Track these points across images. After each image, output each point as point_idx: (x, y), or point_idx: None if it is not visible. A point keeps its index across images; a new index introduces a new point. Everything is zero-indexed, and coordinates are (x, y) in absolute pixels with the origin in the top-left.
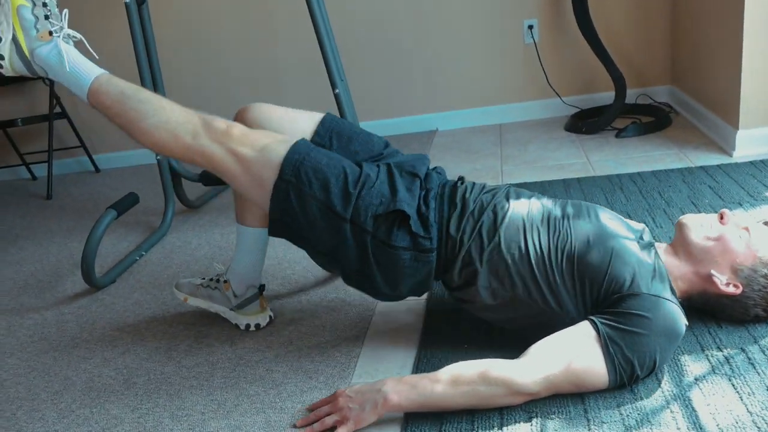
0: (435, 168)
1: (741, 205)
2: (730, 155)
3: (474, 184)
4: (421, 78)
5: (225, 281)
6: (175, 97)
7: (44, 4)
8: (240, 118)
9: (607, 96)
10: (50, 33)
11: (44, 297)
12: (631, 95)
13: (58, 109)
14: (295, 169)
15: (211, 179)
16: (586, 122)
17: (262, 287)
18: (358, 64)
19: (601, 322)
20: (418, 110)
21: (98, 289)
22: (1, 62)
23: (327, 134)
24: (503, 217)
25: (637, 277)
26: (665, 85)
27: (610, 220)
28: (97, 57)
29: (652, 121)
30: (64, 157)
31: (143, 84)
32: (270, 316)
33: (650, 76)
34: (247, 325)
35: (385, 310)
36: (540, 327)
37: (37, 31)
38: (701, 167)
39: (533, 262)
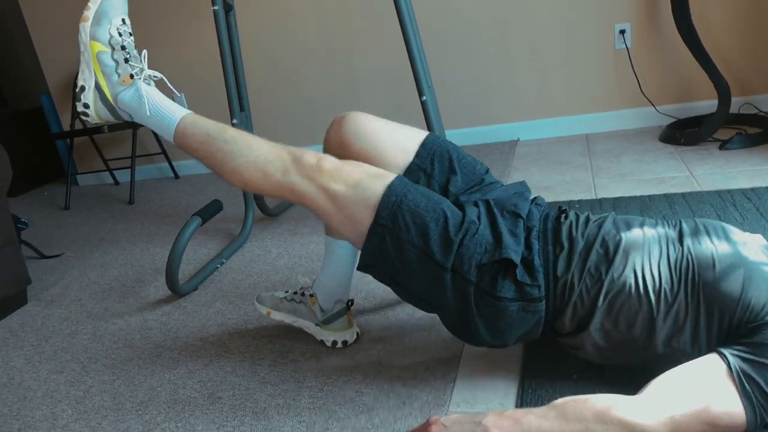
0: (534, 199)
1: None
2: None
3: (578, 216)
4: (503, 85)
5: (311, 295)
6: (254, 104)
7: (123, 48)
8: (335, 128)
9: (704, 105)
10: (131, 76)
11: (128, 302)
12: (734, 104)
13: None
14: (392, 213)
15: None
16: (684, 132)
17: (350, 302)
18: (437, 71)
19: (732, 355)
20: (499, 119)
21: (180, 296)
22: (87, 111)
23: (428, 157)
24: (615, 251)
25: None
26: None
27: (735, 238)
28: (178, 94)
29: (760, 132)
30: (146, 164)
31: (228, 92)
32: (357, 333)
33: (755, 84)
34: (334, 342)
35: None
36: (657, 366)
37: (119, 75)
38: None
39: (652, 294)
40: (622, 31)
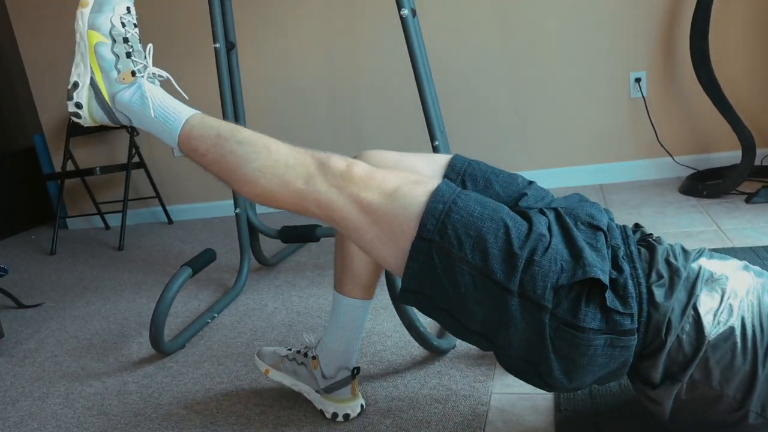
0: (606, 210)
1: None
2: None
3: (673, 246)
4: (515, 132)
5: (314, 357)
6: None
7: (125, 40)
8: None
9: (725, 156)
10: (133, 73)
11: (107, 360)
12: (757, 156)
13: (136, 159)
14: (440, 224)
15: (292, 236)
16: (707, 185)
17: (356, 370)
18: (450, 116)
19: None
20: (510, 167)
21: (165, 355)
22: (79, 111)
23: (458, 179)
24: (723, 291)
25: None
26: None
27: None
28: (186, 98)
29: None
30: (139, 207)
31: None
32: (362, 405)
33: None
34: (335, 414)
35: (503, 405)
36: None
37: (118, 71)
38: None
39: (760, 349)
40: (638, 80)
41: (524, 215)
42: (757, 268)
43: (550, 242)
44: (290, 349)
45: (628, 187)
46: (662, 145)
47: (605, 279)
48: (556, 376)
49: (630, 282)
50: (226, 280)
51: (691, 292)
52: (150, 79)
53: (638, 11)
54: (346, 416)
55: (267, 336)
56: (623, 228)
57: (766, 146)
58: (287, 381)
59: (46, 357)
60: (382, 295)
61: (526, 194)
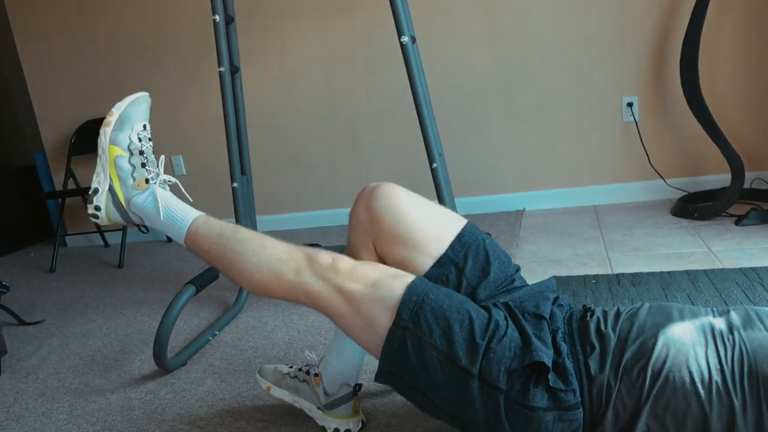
0: (556, 299)
1: None
2: None
3: (606, 312)
4: (509, 154)
5: (316, 374)
6: (256, 166)
7: (141, 152)
8: (366, 199)
9: (715, 179)
10: (146, 181)
11: (110, 377)
12: (746, 179)
13: None
14: (413, 314)
15: None
16: (697, 207)
17: (357, 387)
18: (446, 139)
19: None
20: (505, 189)
21: (168, 372)
22: (98, 213)
23: (463, 250)
24: (654, 343)
25: None
26: None
27: None
28: (191, 200)
29: None
30: None
31: (230, 155)
32: (362, 422)
33: (766, 159)
34: (336, 430)
35: None
36: None
37: (134, 180)
38: None
39: (702, 390)
40: (630, 104)
41: (485, 308)
42: (693, 308)
43: (505, 332)
44: (292, 367)
45: (620, 209)
46: (654, 168)
47: (548, 362)
48: None
49: (568, 361)
50: (226, 298)
51: (622, 353)
52: (161, 185)
53: (630, 39)
54: None
55: (268, 353)
56: (568, 312)
57: (755, 169)
58: (289, 398)
59: (48, 373)
60: None
61: (513, 280)
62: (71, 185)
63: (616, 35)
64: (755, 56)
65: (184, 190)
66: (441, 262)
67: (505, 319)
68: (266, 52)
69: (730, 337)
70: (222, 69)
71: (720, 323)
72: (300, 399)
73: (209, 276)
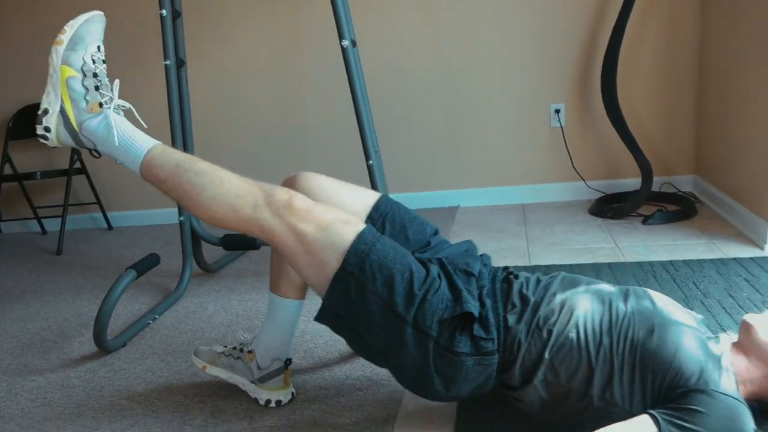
0: (482, 257)
1: None
2: (762, 248)
3: (529, 277)
4: (447, 154)
5: (249, 351)
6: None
7: (95, 75)
8: (287, 185)
9: (630, 182)
10: (100, 104)
11: (49, 358)
12: (656, 183)
13: (78, 164)
14: (360, 261)
15: (234, 244)
16: (611, 207)
17: (288, 361)
18: (384, 136)
19: (664, 419)
20: (441, 185)
21: (108, 353)
22: (47, 134)
23: (380, 219)
24: (561, 307)
25: (705, 373)
26: (689, 175)
27: (675, 308)
28: (145, 126)
29: (678, 209)
30: (77, 213)
31: (174, 144)
32: (292, 393)
33: (674, 165)
34: (268, 401)
35: None
36: (592, 422)
37: (87, 102)
38: (734, 259)
39: (593, 349)
40: (557, 111)
41: (423, 264)
42: (599, 282)
43: (440, 286)
44: (226, 347)
45: (545, 208)
46: (576, 171)
47: (476, 312)
48: (437, 389)
49: (490, 314)
50: (167, 284)
51: (536, 314)
52: (115, 110)
53: (559, 50)
54: (278, 402)
55: (206, 335)
56: (493, 270)
57: (663, 174)
58: (224, 375)
59: None
60: (318, 298)
61: (430, 242)
62: (8, 170)
63: (546, 46)
64: (671, 70)
65: (138, 117)
66: None
67: (439, 275)
68: (214, 45)
69: (623, 308)
70: (168, 62)
71: (617, 297)
72: (234, 375)
73: (150, 261)
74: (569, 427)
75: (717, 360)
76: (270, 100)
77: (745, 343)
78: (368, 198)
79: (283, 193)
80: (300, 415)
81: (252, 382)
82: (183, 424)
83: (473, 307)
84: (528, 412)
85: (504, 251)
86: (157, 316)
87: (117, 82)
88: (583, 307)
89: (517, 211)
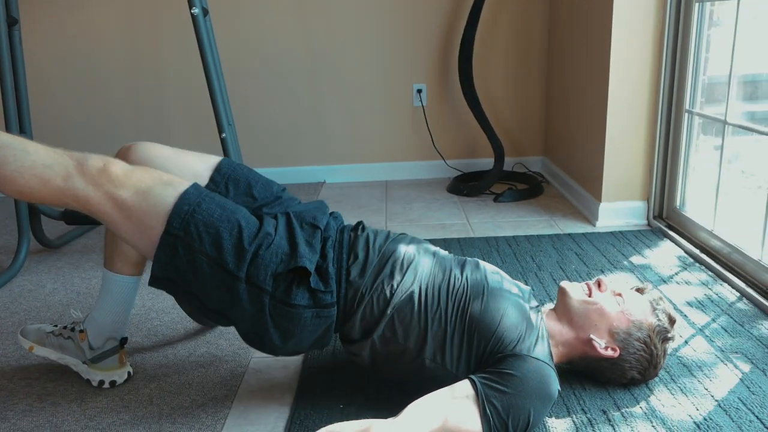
0: (332, 213)
1: (603, 271)
2: (594, 225)
3: (377, 232)
4: (313, 130)
5: (81, 330)
6: (53, 137)
7: None
8: (122, 157)
9: (486, 162)
10: None
11: None
12: (509, 163)
13: None
14: (184, 222)
15: (75, 218)
16: (467, 185)
17: (123, 340)
18: (251, 110)
19: (481, 382)
20: (307, 161)
21: None
22: None
23: (223, 182)
24: (407, 268)
25: (522, 340)
26: (538, 156)
27: (503, 280)
28: None
29: (527, 188)
30: None
31: (7, 117)
32: (129, 373)
33: (525, 147)
34: (101, 382)
35: (260, 366)
36: (423, 382)
37: None
38: (569, 234)
39: (429, 313)
40: (420, 91)
41: (259, 218)
42: (443, 250)
43: (273, 239)
44: (56, 326)
45: (407, 185)
46: (437, 150)
47: (311, 267)
48: (275, 343)
49: (331, 266)
50: (2, 261)
51: (381, 270)
52: None
53: (421, 32)
54: (113, 383)
55: (42, 315)
56: (341, 225)
57: (516, 155)
58: (53, 355)
59: None
60: None
61: (280, 197)
62: None
63: (410, 28)
64: (523, 57)
65: None
66: None
67: (275, 228)
68: (59, 9)
69: (460, 276)
70: None
71: (457, 267)
72: (65, 356)
73: None
74: (399, 393)
75: (535, 327)
76: (123, 69)
77: (560, 308)
78: (209, 160)
79: (96, 161)
80: (135, 395)
81: (84, 362)
82: (5, 409)
83: (308, 261)
84: (363, 366)
85: None
86: None
87: None
88: (426, 271)
89: (381, 187)
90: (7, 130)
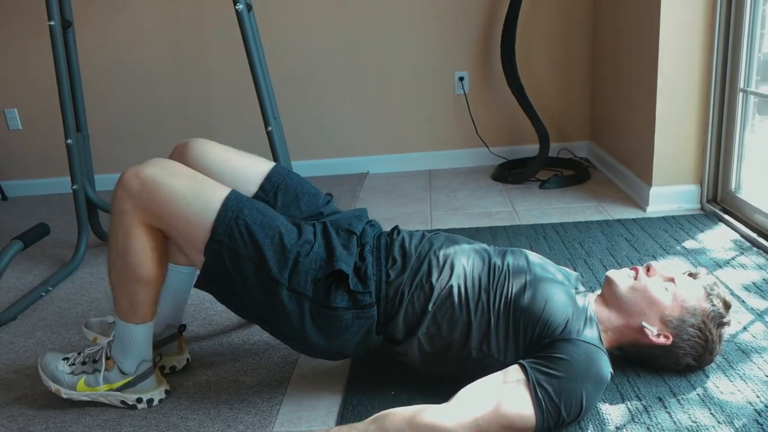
0: (369, 221)
1: (655, 257)
2: (644, 210)
3: (412, 233)
4: (355, 121)
5: None
6: (102, 131)
7: None
8: (177, 153)
9: (531, 148)
10: None
11: None
12: (553, 149)
13: None
14: (228, 229)
15: None
16: (511, 172)
17: (182, 327)
18: (293, 103)
19: (531, 367)
20: (351, 152)
21: None
22: None
23: (272, 190)
24: (444, 263)
25: (570, 323)
26: (584, 141)
27: (546, 266)
28: None
29: (573, 174)
30: None
31: (63, 108)
32: (188, 359)
33: (571, 132)
34: (162, 368)
35: None
36: (471, 373)
37: None
38: (618, 220)
39: (472, 304)
40: (461, 78)
41: (298, 226)
42: (483, 244)
43: (312, 247)
44: (113, 321)
45: (450, 173)
46: (480, 137)
47: (348, 270)
48: (320, 345)
49: (370, 268)
50: (63, 255)
51: (419, 268)
52: None
53: (463, 19)
54: (173, 368)
55: (103, 307)
56: (378, 232)
57: (561, 141)
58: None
59: None
60: None
61: (322, 212)
62: None
63: (451, 16)
64: (568, 40)
65: None
66: None
67: (314, 236)
68: (106, 7)
69: (501, 267)
70: (52, 23)
71: (497, 257)
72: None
73: (38, 231)
74: (449, 379)
75: (582, 311)
76: (172, 64)
77: (608, 296)
78: (261, 167)
79: (134, 180)
80: (194, 381)
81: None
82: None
83: (345, 264)
84: (411, 366)
85: (408, 216)
86: (50, 288)
87: None
88: (464, 264)
89: (425, 177)
90: (64, 124)
